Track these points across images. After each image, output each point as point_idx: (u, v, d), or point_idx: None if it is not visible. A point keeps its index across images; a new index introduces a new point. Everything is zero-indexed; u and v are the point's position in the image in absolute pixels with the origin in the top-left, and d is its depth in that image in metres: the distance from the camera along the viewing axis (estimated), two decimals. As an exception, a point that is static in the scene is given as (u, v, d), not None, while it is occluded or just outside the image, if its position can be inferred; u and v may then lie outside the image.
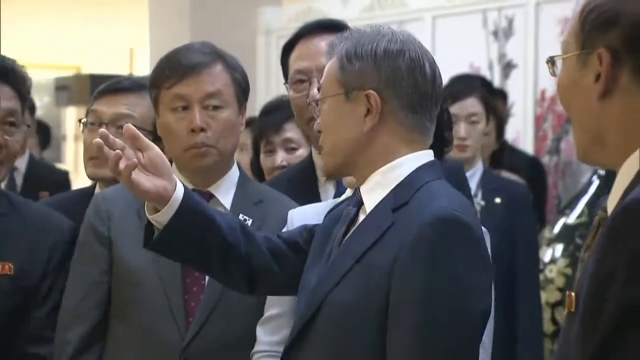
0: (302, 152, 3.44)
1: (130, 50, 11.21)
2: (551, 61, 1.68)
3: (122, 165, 2.09)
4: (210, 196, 2.63)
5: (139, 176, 2.12)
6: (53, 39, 10.45)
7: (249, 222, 2.60)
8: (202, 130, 2.56)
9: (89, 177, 3.01)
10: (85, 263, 2.64)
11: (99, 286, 2.62)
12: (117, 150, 2.10)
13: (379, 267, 2.03)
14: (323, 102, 2.19)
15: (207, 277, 2.57)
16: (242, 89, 2.64)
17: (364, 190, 2.17)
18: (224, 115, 2.59)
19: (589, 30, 1.59)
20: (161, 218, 2.17)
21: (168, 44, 8.54)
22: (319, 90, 2.29)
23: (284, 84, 2.90)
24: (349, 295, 2.07)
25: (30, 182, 5.94)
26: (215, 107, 2.58)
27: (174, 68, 2.60)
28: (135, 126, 2.90)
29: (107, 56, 10.20)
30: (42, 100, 10.81)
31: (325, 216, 2.34)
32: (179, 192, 2.17)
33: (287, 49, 2.89)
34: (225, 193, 2.64)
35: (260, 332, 2.49)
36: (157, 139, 2.89)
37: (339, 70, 2.17)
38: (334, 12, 6.58)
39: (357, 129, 2.15)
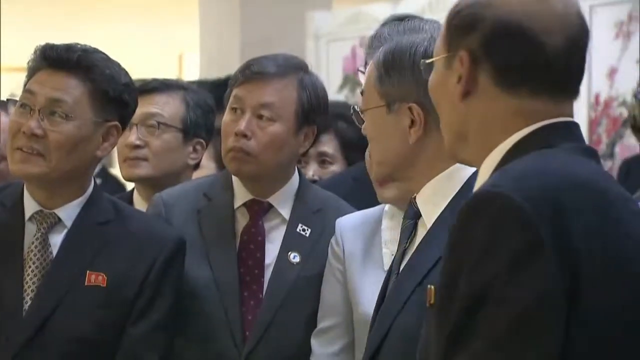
0: (335, 168, 3.38)
1: (179, 55, 11.24)
2: (428, 65, 1.76)
3: None
4: (269, 206, 2.61)
5: None
6: (103, 44, 10.49)
7: (308, 231, 2.58)
8: (245, 136, 2.54)
9: (125, 178, 3.04)
10: None
11: None
12: None
13: None
14: (366, 113, 2.15)
15: (264, 290, 2.55)
16: (307, 110, 2.59)
17: (420, 201, 2.12)
18: (273, 129, 2.57)
19: (453, 34, 1.66)
20: None
21: (217, 49, 8.51)
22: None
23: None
24: (414, 320, 2.00)
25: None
26: (268, 119, 2.56)
27: (242, 70, 2.60)
28: (164, 124, 2.93)
29: (156, 61, 10.22)
30: (92, 106, 10.86)
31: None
32: None
33: None
34: (284, 203, 2.62)
35: (315, 344, 2.47)
36: (186, 136, 2.90)
37: (377, 81, 2.12)
38: (385, 16, 6.52)
39: (403, 141, 2.10)
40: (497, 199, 1.49)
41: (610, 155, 6.34)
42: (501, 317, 1.45)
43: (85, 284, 2.42)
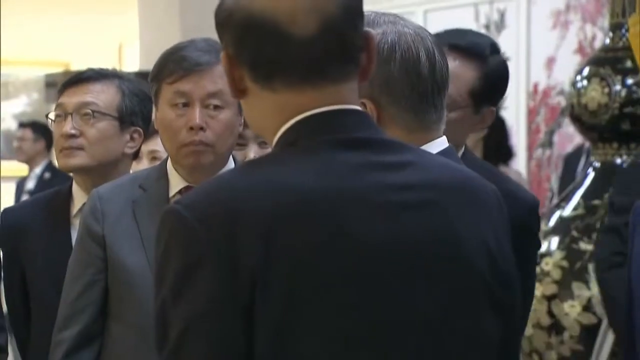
0: None
1: (119, 46, 11.18)
2: None
3: None
4: None
5: None
6: (42, 35, 10.41)
7: None
8: (201, 129, 2.57)
9: (61, 168, 3.03)
10: (80, 263, 2.65)
11: (94, 285, 2.62)
12: None
13: None
14: None
15: None
16: None
17: None
18: (224, 116, 2.60)
19: (218, 33, 1.61)
20: None
21: (157, 41, 8.45)
22: None
23: None
24: None
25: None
26: (216, 107, 2.59)
27: (177, 64, 2.60)
28: (100, 112, 2.91)
29: (95, 53, 10.17)
30: (31, 97, 10.76)
31: None
32: None
33: None
34: None
35: None
36: (122, 124, 2.89)
37: None
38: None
39: None
40: (171, 216, 1.50)
41: (549, 144, 6.42)
42: (173, 330, 1.49)
43: None
